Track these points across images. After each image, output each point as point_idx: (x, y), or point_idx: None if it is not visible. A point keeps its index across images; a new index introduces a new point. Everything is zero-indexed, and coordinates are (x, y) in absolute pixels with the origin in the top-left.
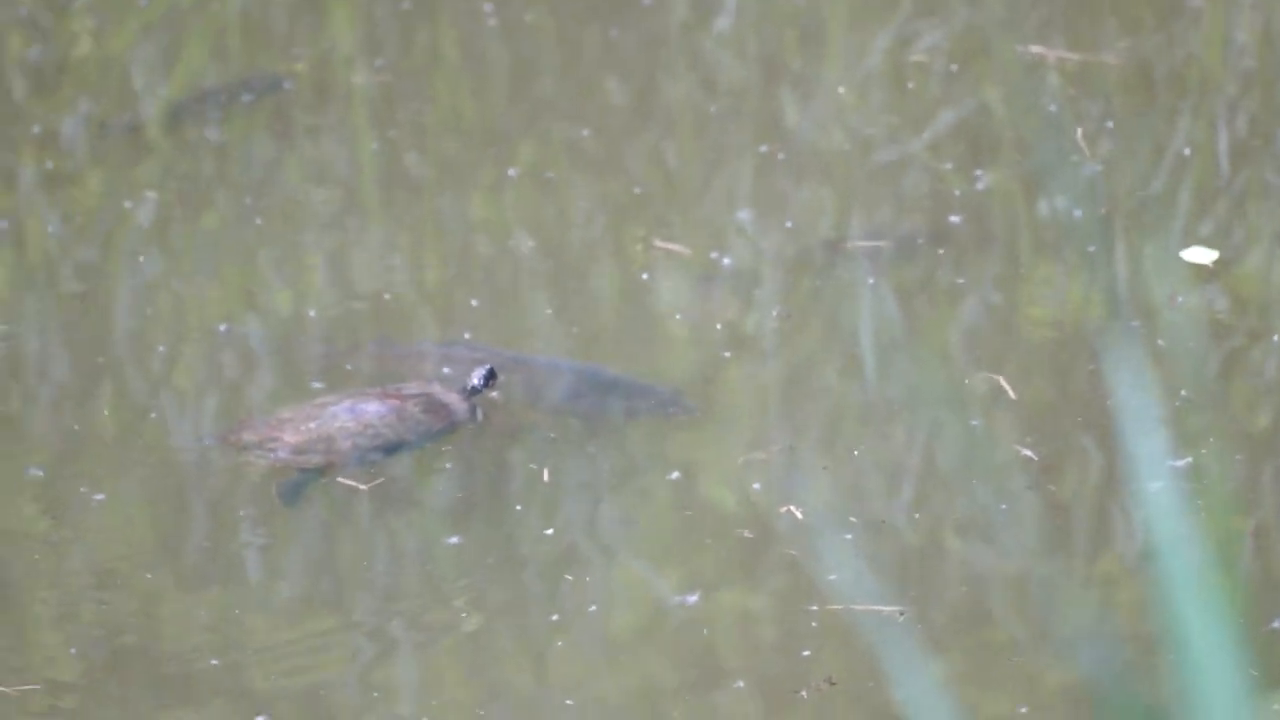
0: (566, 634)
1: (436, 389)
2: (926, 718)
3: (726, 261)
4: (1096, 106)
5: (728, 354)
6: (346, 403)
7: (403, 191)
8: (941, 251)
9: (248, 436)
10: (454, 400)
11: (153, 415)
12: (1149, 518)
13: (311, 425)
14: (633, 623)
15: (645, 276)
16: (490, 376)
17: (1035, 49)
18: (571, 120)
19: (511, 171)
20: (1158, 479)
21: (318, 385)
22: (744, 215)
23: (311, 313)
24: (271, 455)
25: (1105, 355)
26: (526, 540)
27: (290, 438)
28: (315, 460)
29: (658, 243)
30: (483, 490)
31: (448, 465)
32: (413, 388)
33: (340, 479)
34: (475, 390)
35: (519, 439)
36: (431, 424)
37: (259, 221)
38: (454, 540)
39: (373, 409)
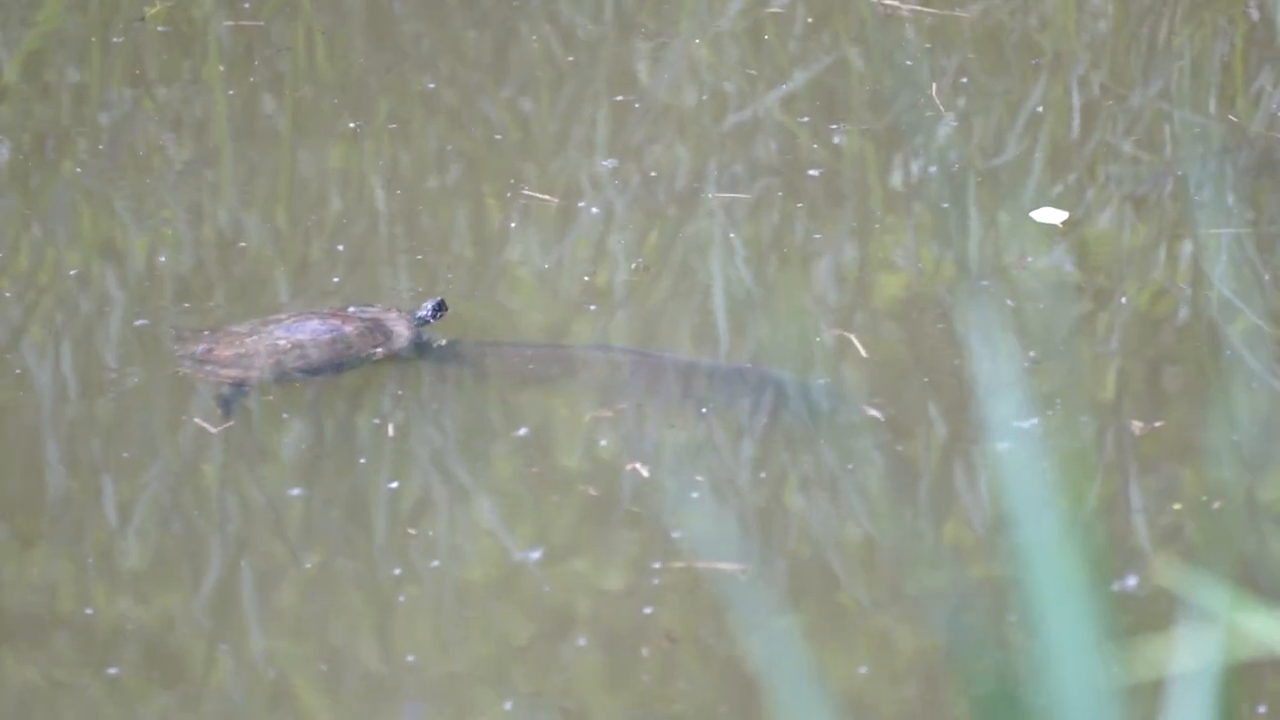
0: (410, 589)
1: (391, 315)
2: (778, 671)
3: (594, 210)
4: (952, 62)
5: (593, 307)
6: (290, 320)
7: (259, 140)
8: (800, 205)
9: (190, 346)
10: (399, 328)
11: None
12: (998, 478)
13: (248, 340)
14: (477, 578)
15: (513, 225)
16: (440, 308)
17: (890, 2)
18: (430, 71)
19: (367, 122)
20: (1007, 440)
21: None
22: (605, 166)
23: (163, 259)
24: (193, 366)
25: (956, 315)
26: (371, 494)
27: (222, 351)
28: (232, 374)
29: (526, 191)
30: (330, 443)
31: (283, 415)
32: (369, 311)
33: (196, 420)
34: (424, 320)
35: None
36: (363, 349)
37: (113, 167)
38: (297, 492)
39: (309, 328)
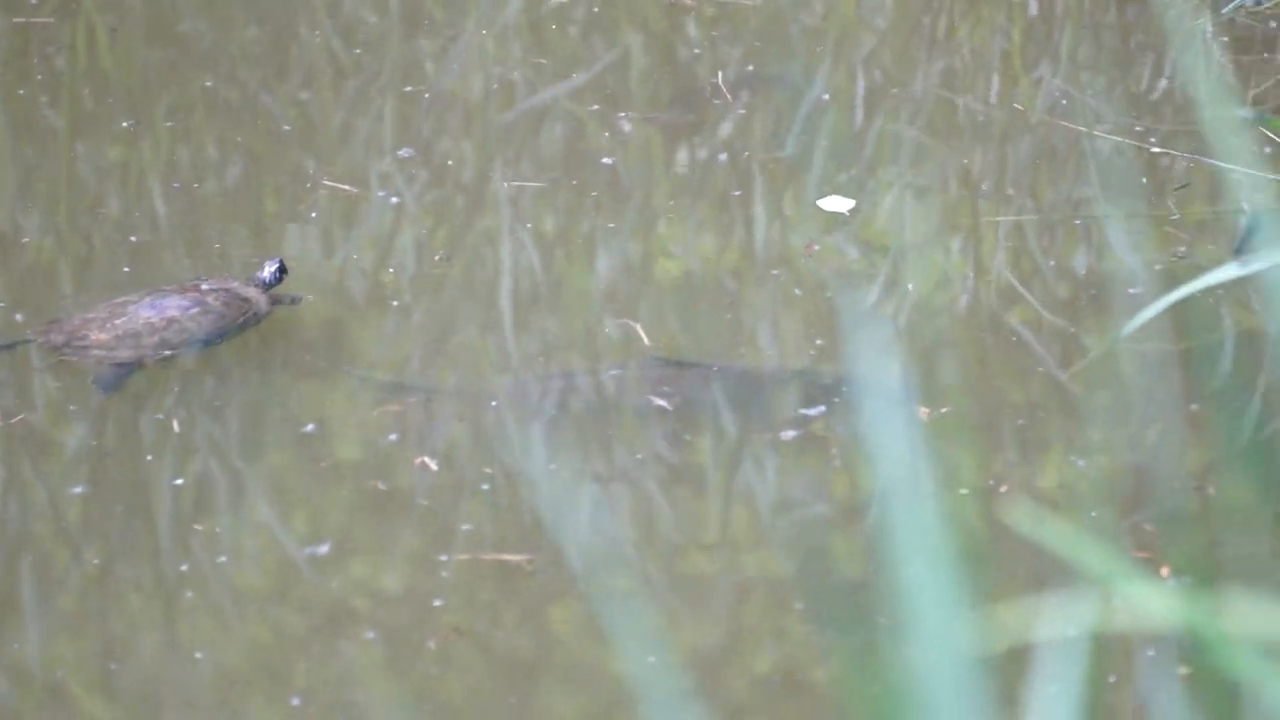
0: (195, 585)
1: (236, 284)
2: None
3: (394, 200)
4: (736, 51)
5: (395, 303)
6: (147, 299)
7: (39, 138)
8: (593, 195)
9: (55, 337)
10: (253, 294)
11: None
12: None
13: (118, 323)
14: (262, 574)
15: (314, 215)
16: (281, 269)
17: None
18: (209, 68)
19: (145, 120)
20: (789, 429)
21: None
22: (401, 156)
23: None
24: (77, 354)
25: (744, 304)
26: (155, 490)
27: (99, 335)
28: (125, 355)
29: (326, 181)
30: (113, 440)
31: (71, 407)
32: (212, 282)
33: None
34: (268, 284)
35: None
36: (234, 317)
37: None
38: (79, 490)
39: (175, 304)
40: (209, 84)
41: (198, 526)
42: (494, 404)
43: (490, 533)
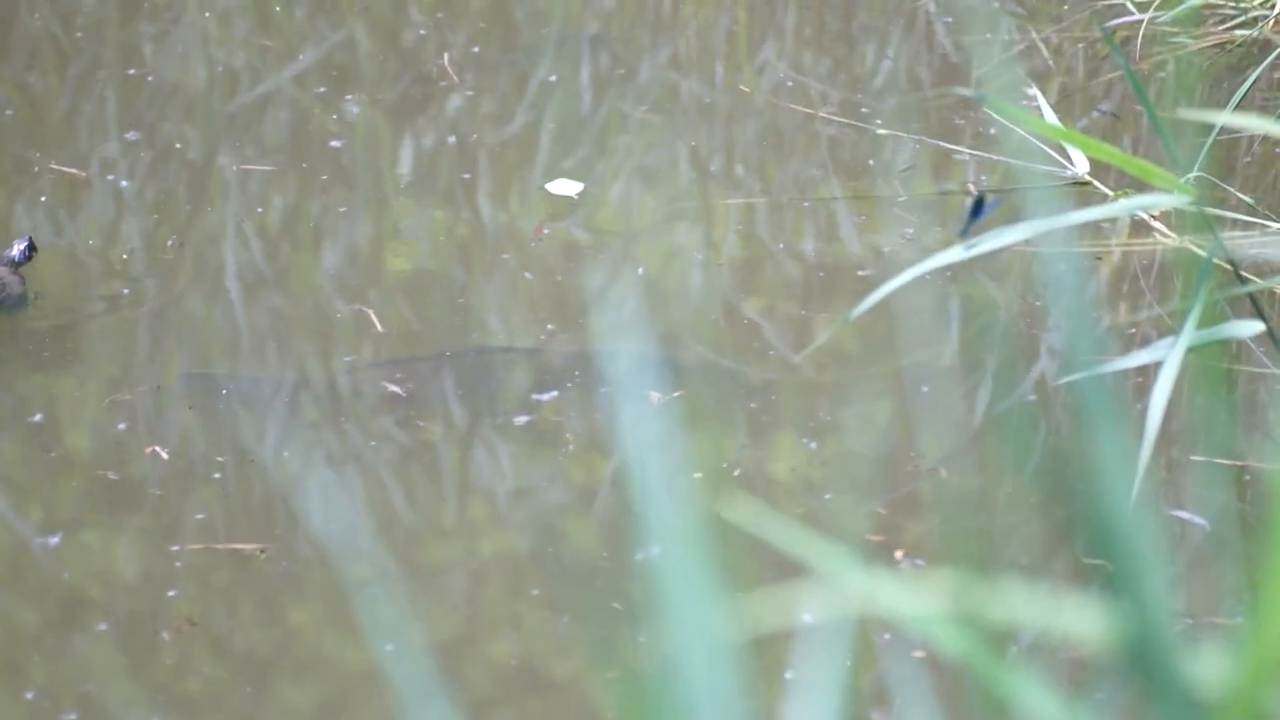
0: None
1: None
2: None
3: (124, 184)
4: (462, 34)
5: (126, 290)
6: None
7: None
8: (325, 177)
9: None
10: (3, 273)
11: None
12: (516, 452)
13: None
14: None
15: (43, 199)
16: (31, 247)
17: None
18: None
19: None
20: (522, 414)
21: None
22: (128, 139)
23: None
24: None
25: (475, 288)
26: None
27: None
28: None
29: (54, 166)
30: None
31: None
32: None
33: None
34: (18, 261)
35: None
36: None
37: None
38: None
39: None
40: None
41: None
42: (225, 391)
43: (223, 522)
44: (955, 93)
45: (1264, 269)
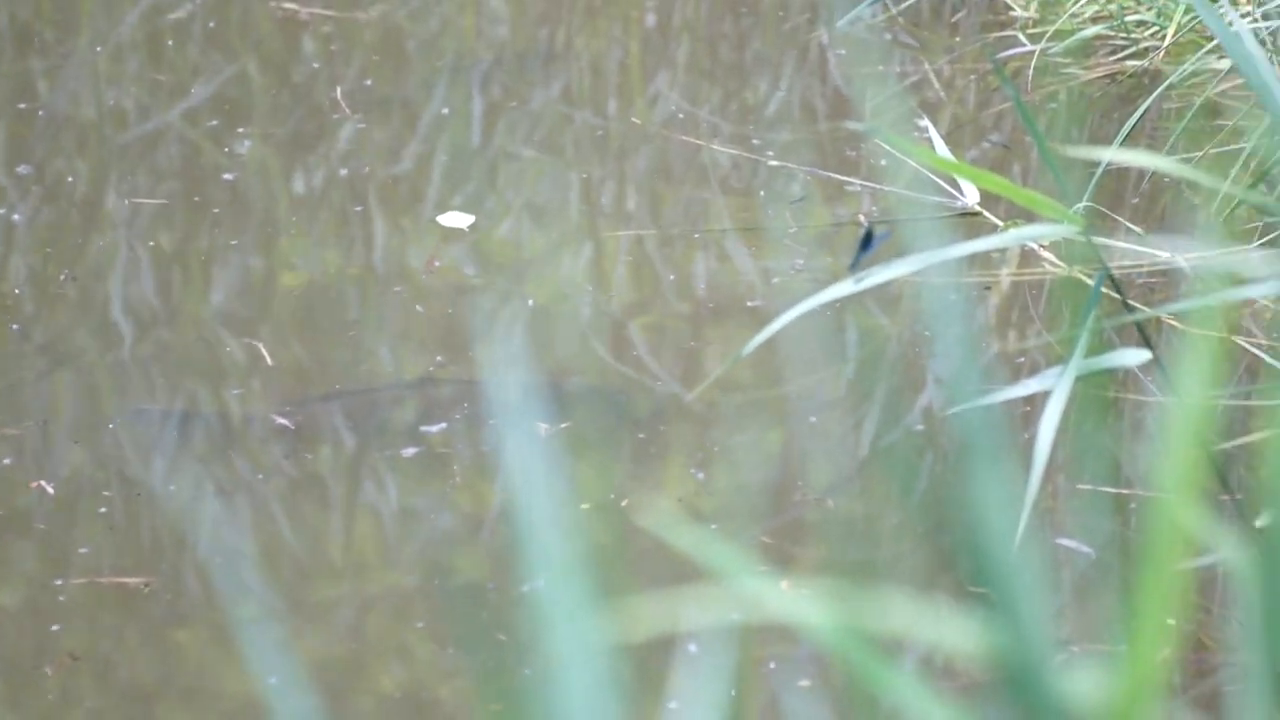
0: None
1: None
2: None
3: (16, 217)
4: (354, 66)
5: (15, 326)
6: None
7: None
8: (216, 211)
9: None
10: None
11: None
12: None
13: None
14: None
15: None
16: None
17: (289, 6)
18: None
19: None
20: (410, 446)
21: None
22: (12, 176)
23: None
24: None
25: (366, 321)
26: None
27: None
28: None
29: None
30: None
31: None
32: None
33: None
34: None
35: None
36: None
37: None
38: None
39: None
40: None
41: None
42: (112, 425)
43: (108, 555)
44: (846, 126)
45: (1151, 298)
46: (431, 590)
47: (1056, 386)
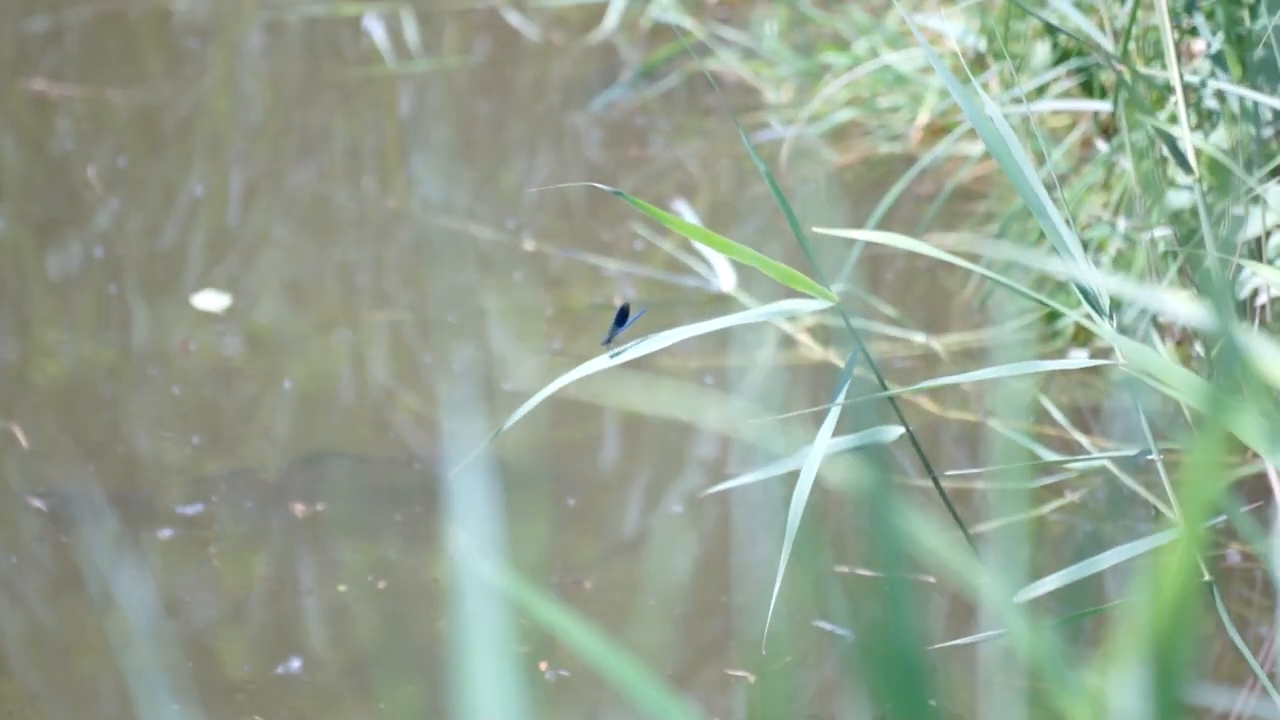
0: None
1: None
2: None
3: None
4: (108, 147)
5: None
6: None
7: None
8: None
9: None
10: None
11: None
12: (164, 564)
13: None
14: None
15: None
16: None
17: (38, 86)
18: None
19: None
20: (167, 528)
21: None
22: None
23: None
24: None
25: (122, 403)
26: None
27: None
28: None
29: None
30: None
31: None
32: None
33: None
34: None
35: None
36: None
37: None
38: None
39: None
40: None
41: None
42: None
43: None
44: (595, 187)
45: (906, 378)
46: (188, 671)
47: (805, 465)
